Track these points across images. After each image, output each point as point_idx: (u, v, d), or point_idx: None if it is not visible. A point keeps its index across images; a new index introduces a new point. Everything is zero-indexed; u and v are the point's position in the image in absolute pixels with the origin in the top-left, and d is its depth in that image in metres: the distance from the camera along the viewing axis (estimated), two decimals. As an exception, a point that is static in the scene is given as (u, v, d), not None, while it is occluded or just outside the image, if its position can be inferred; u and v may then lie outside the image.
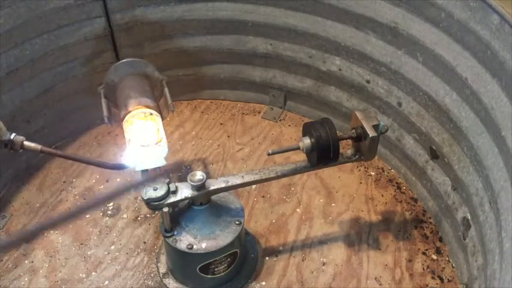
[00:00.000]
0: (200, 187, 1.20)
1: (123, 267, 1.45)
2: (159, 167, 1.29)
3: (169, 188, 1.19)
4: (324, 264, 1.46)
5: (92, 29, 1.67)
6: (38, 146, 1.16)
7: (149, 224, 1.57)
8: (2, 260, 1.47)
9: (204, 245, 1.24)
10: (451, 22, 1.32)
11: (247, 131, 1.93)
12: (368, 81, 1.68)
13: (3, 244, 1.51)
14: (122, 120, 1.31)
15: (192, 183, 1.19)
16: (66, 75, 1.73)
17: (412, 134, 1.60)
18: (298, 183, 1.70)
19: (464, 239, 1.37)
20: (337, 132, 1.17)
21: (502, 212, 1.13)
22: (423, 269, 1.44)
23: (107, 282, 1.41)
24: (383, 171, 1.75)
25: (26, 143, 1.15)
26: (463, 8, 1.26)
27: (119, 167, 1.27)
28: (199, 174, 1.20)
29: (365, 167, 1.77)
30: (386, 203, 1.64)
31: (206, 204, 1.27)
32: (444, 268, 1.45)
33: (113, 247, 1.50)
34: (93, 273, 1.43)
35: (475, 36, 1.24)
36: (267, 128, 1.94)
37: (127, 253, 1.49)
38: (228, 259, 1.30)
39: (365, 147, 1.21)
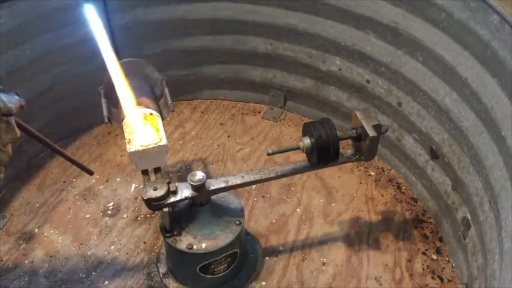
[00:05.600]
0: (200, 187, 1.20)
1: (123, 267, 1.45)
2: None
3: (169, 188, 1.18)
4: (324, 264, 1.46)
5: (92, 29, 1.68)
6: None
7: (149, 224, 1.57)
8: (2, 260, 1.47)
9: (204, 245, 1.24)
10: (451, 22, 1.32)
11: (247, 131, 1.93)
12: (368, 81, 1.68)
13: (3, 244, 1.51)
14: (122, 121, 1.31)
15: (192, 183, 1.19)
16: (66, 75, 1.73)
17: (412, 134, 1.60)
18: (298, 183, 1.70)
19: (464, 239, 1.37)
20: (337, 132, 1.17)
21: (502, 212, 1.13)
22: (423, 269, 1.44)
23: (106, 282, 1.41)
24: (383, 171, 1.75)
25: None
26: (463, 8, 1.27)
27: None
28: (199, 174, 1.20)
29: (365, 167, 1.77)
30: (386, 203, 1.64)
31: (206, 204, 1.27)
32: (444, 268, 1.45)
33: (113, 247, 1.50)
34: (93, 273, 1.43)
35: (475, 36, 1.24)
36: (267, 128, 1.94)
37: (127, 253, 1.49)
38: (228, 259, 1.30)
39: (365, 147, 1.21)
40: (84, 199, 1.66)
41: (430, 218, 1.59)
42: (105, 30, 1.15)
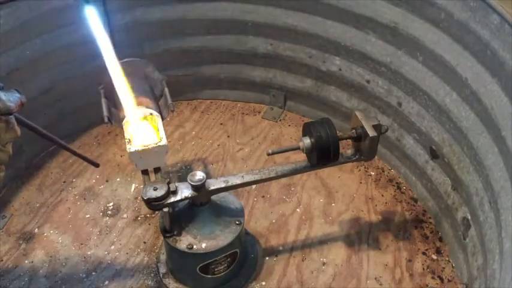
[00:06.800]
0: (200, 187, 1.20)
1: (123, 267, 1.45)
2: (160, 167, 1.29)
3: (169, 188, 1.18)
4: (324, 264, 1.46)
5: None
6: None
7: (149, 224, 1.57)
8: (2, 260, 1.47)
9: (204, 245, 1.24)
10: (451, 22, 1.32)
11: (247, 131, 1.93)
12: (368, 81, 1.68)
13: (3, 244, 1.51)
14: (122, 120, 1.31)
15: (192, 183, 1.19)
16: (66, 75, 1.73)
17: (412, 134, 1.60)
18: (298, 183, 1.70)
19: (464, 239, 1.37)
20: (337, 132, 1.17)
21: (502, 212, 1.13)
22: (423, 269, 1.44)
23: (107, 282, 1.41)
24: (383, 171, 1.75)
25: None
26: (463, 8, 1.27)
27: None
28: (199, 174, 1.20)
29: (365, 167, 1.77)
30: (386, 203, 1.64)
31: (206, 204, 1.27)
32: (444, 268, 1.45)
33: (113, 247, 1.50)
34: (93, 273, 1.43)
35: (475, 36, 1.24)
36: (267, 128, 1.94)
37: (127, 253, 1.49)
38: (228, 259, 1.30)
39: (365, 147, 1.21)
40: (84, 199, 1.66)
41: (430, 218, 1.59)
42: (105, 32, 1.15)
